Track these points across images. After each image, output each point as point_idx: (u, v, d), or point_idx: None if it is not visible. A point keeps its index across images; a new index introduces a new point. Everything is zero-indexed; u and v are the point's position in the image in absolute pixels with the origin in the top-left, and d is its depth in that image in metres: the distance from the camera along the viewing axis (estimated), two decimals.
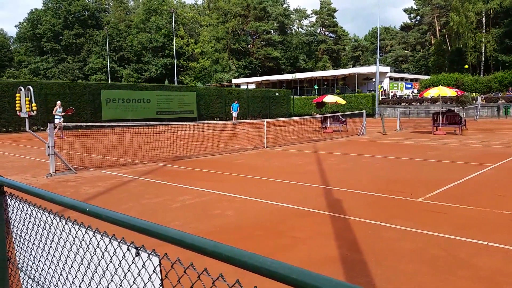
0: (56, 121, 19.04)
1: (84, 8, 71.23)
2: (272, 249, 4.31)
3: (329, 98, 22.94)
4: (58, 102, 20.09)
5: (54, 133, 18.36)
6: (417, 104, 39.06)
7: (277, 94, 43.60)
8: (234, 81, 60.81)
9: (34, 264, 2.21)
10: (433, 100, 36.03)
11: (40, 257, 2.12)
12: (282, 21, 75.05)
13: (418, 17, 76.18)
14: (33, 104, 8.96)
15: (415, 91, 49.19)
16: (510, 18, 47.53)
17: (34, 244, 2.16)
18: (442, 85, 27.85)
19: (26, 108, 8.83)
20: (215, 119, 35.82)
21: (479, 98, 35.82)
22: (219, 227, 5.09)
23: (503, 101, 34.44)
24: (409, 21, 78.90)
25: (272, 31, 74.18)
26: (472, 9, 47.22)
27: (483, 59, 51.18)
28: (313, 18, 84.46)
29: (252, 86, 54.36)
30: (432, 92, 19.06)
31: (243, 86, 53.98)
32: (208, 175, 8.95)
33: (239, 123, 29.18)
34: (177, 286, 1.35)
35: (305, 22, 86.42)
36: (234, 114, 31.35)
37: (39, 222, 2.06)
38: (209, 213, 5.71)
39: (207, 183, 7.86)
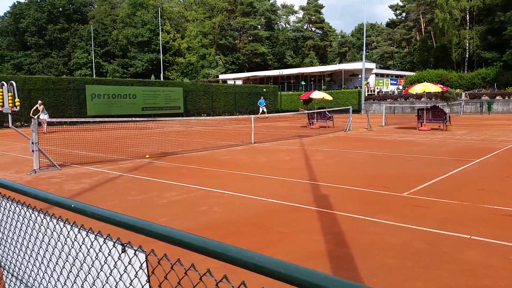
0: (42, 117, 18.93)
1: (69, 2, 70.04)
2: (259, 244, 4.33)
3: (316, 94, 23.06)
4: (39, 101, 20.19)
5: (44, 128, 18.39)
6: (402, 100, 39.46)
7: (264, 90, 43.59)
8: (221, 76, 60.59)
9: (17, 262, 2.18)
10: (418, 96, 36.43)
11: (24, 255, 2.09)
12: (269, 16, 74.96)
13: (403, 14, 76.79)
14: (16, 99, 8.81)
15: (400, 87, 49.66)
16: (493, 16, 48.18)
17: (18, 241, 2.13)
18: (427, 82, 28.16)
19: (9, 103, 8.68)
20: (202, 115, 35.66)
21: (463, 94, 36.36)
22: (206, 223, 5.08)
23: (487, 97, 35.02)
24: (395, 17, 79.50)
25: (259, 26, 74.02)
26: (456, 6, 47.74)
27: (467, 55, 51.86)
28: (300, 14, 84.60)
29: (239, 82, 54.25)
30: (417, 89, 19.22)
31: (230, 82, 53.83)
32: (195, 171, 8.92)
33: (264, 117, 29.36)
34: (164, 283, 1.35)
35: (292, 18, 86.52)
36: (263, 108, 32.33)
37: (23, 219, 2.03)
38: (196, 209, 5.70)
39: (194, 179, 7.83)
